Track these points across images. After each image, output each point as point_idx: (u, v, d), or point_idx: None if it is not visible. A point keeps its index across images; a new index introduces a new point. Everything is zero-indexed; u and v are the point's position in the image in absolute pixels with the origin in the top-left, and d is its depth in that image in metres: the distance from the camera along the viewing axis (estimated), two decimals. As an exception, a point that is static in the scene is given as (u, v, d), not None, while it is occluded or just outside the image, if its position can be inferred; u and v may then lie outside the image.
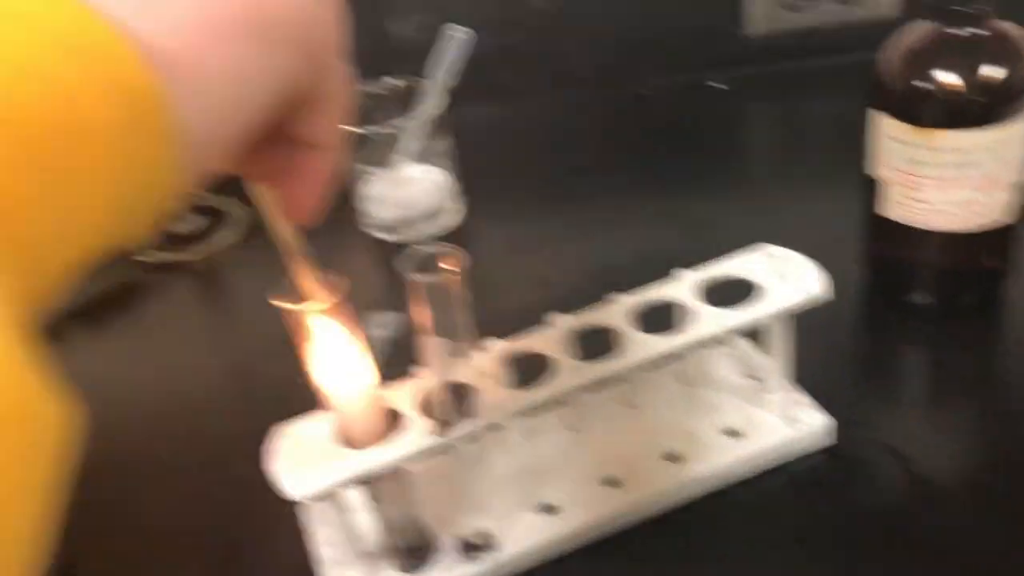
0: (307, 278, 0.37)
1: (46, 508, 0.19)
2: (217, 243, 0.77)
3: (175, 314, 0.73)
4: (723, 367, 0.55)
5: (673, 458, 0.50)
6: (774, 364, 0.50)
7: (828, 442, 0.51)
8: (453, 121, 0.74)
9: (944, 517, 0.47)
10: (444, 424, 0.43)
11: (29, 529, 0.18)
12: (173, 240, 0.78)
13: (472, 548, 0.47)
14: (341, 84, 0.30)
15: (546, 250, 0.71)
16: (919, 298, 0.59)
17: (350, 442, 0.42)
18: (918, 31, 0.53)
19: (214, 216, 0.80)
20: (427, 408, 0.45)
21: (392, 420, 0.43)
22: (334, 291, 0.38)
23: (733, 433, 0.51)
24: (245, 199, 0.80)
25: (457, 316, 0.41)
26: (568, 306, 0.49)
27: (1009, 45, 0.51)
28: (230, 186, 0.83)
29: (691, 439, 0.51)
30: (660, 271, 0.50)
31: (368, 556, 0.46)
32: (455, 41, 0.69)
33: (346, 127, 0.31)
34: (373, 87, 0.73)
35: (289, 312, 0.38)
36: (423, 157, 0.72)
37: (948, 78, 0.51)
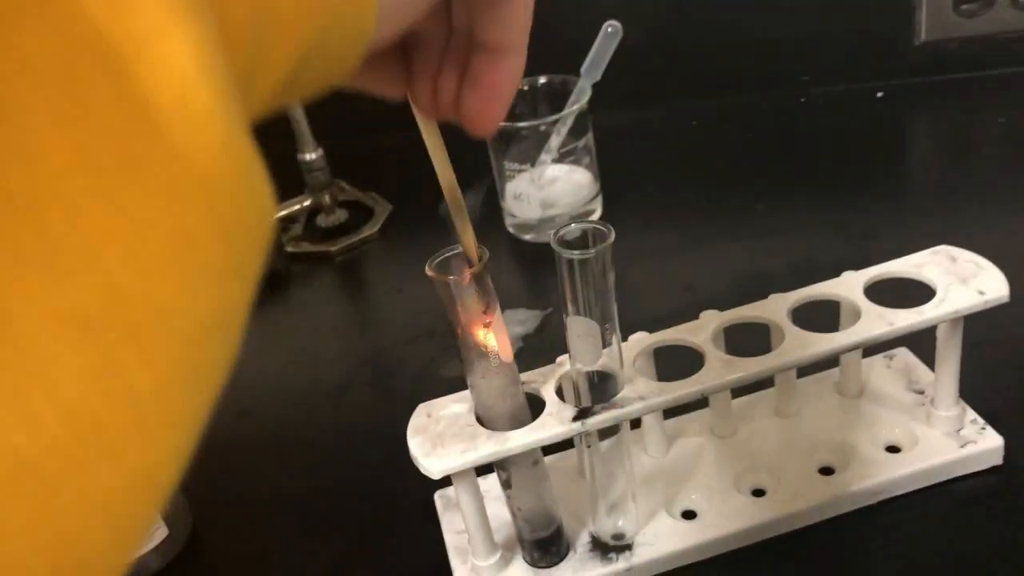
0: (465, 230, 0.36)
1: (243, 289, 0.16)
2: (358, 236, 0.78)
3: (316, 302, 0.74)
4: (885, 379, 0.51)
5: (827, 471, 0.47)
6: (941, 377, 0.46)
7: (995, 462, 0.46)
8: (599, 122, 0.73)
9: None
10: (584, 412, 0.41)
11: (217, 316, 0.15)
12: (317, 232, 0.79)
13: (606, 548, 0.45)
14: None
15: (691, 255, 0.69)
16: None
17: (489, 424, 0.41)
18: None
19: (357, 210, 0.81)
20: (568, 396, 0.43)
21: (532, 407, 0.42)
22: (482, 255, 0.37)
23: (893, 449, 0.47)
24: (386, 195, 0.81)
25: (604, 297, 0.39)
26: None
27: None
28: (373, 181, 0.84)
29: (848, 452, 0.47)
30: (816, 280, 0.46)
31: (498, 547, 0.45)
32: (609, 36, 0.67)
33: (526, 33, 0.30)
34: (523, 83, 0.73)
35: (440, 282, 0.37)
36: (567, 157, 0.71)
37: None
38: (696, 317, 0.45)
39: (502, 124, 0.69)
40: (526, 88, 0.73)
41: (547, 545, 0.44)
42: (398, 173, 0.78)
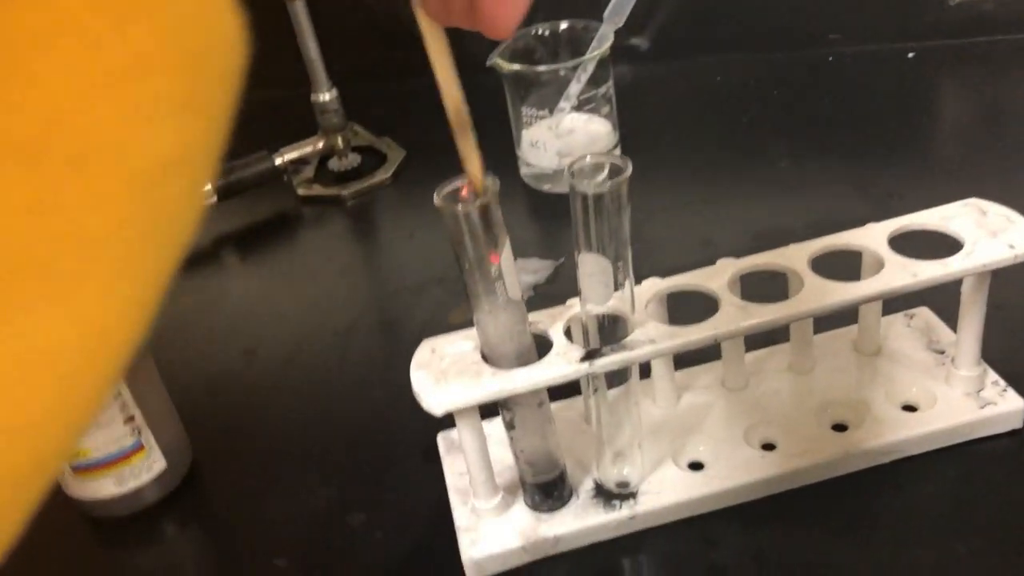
0: (470, 155, 0.34)
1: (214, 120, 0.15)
2: (370, 182, 0.76)
3: (325, 246, 0.73)
4: (904, 338, 0.49)
5: (840, 428, 0.46)
6: (964, 335, 0.45)
7: (1015, 425, 0.45)
8: (621, 75, 0.71)
9: None
10: (592, 353, 0.40)
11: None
12: (328, 176, 0.78)
13: (609, 495, 0.44)
14: None
15: (710, 211, 0.67)
16: None
17: (494, 363, 0.40)
18: None
19: (370, 155, 0.80)
20: (576, 337, 0.42)
21: (540, 348, 0.41)
22: (491, 185, 0.35)
23: (910, 408, 0.46)
24: (400, 141, 0.80)
25: (618, 235, 0.37)
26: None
27: None
28: (387, 127, 0.83)
29: (862, 410, 0.46)
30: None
31: (499, 489, 0.44)
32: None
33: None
34: (544, 28, 0.71)
35: (447, 211, 0.36)
36: (586, 105, 0.69)
37: None
38: (713, 268, 0.44)
39: (520, 68, 0.67)
40: (547, 33, 0.71)
41: (549, 489, 0.43)
42: (413, 120, 0.76)
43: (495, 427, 0.46)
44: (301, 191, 0.76)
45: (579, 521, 0.43)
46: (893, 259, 0.41)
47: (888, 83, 0.79)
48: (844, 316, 0.50)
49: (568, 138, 0.70)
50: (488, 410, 0.43)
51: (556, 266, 0.63)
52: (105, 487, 0.48)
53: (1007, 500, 0.43)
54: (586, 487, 0.45)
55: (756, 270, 0.43)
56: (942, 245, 0.43)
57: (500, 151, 0.72)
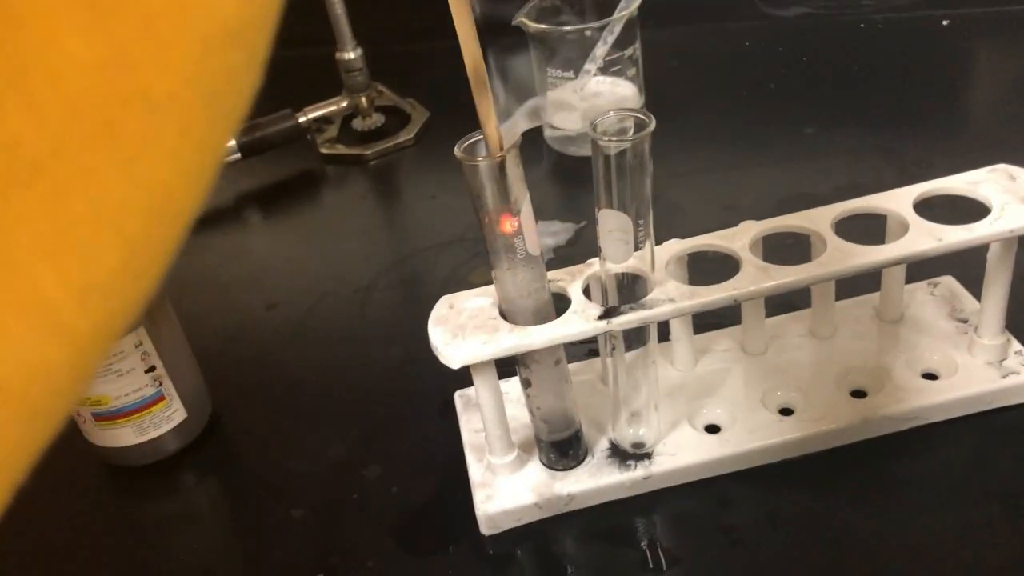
0: (488, 114, 0.34)
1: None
2: (393, 142, 0.76)
3: (348, 204, 0.73)
4: (927, 306, 0.49)
5: (859, 394, 0.45)
6: (988, 303, 0.44)
7: (1039, 396, 0.45)
8: (649, 37, 0.70)
9: None
10: (610, 311, 0.39)
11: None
12: (352, 135, 0.78)
13: (624, 455, 0.44)
14: None
15: (734, 176, 0.66)
16: None
17: (512, 319, 0.40)
18: None
19: (393, 115, 0.79)
20: (595, 295, 0.42)
21: (558, 306, 0.41)
22: (510, 136, 0.35)
23: (931, 376, 0.46)
24: (424, 102, 0.80)
25: (640, 192, 0.37)
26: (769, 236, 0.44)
27: None
28: (411, 88, 0.82)
29: (882, 377, 0.45)
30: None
31: (515, 447, 0.44)
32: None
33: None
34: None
35: (468, 165, 0.36)
36: (612, 67, 0.68)
37: None
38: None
39: (546, 28, 0.67)
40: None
41: (564, 448, 0.43)
42: (437, 81, 0.76)
43: (512, 386, 0.46)
44: (324, 150, 0.76)
45: (593, 480, 0.43)
46: (918, 223, 0.41)
47: (920, 50, 0.78)
48: (867, 283, 0.49)
49: (593, 100, 0.69)
50: (505, 370, 0.43)
51: (577, 229, 0.63)
52: (126, 435, 0.48)
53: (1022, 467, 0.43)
54: (601, 447, 0.45)
55: (778, 231, 0.42)
56: (969, 211, 0.42)
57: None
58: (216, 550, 0.46)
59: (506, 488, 0.43)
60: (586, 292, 0.41)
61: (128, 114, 0.12)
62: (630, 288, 0.40)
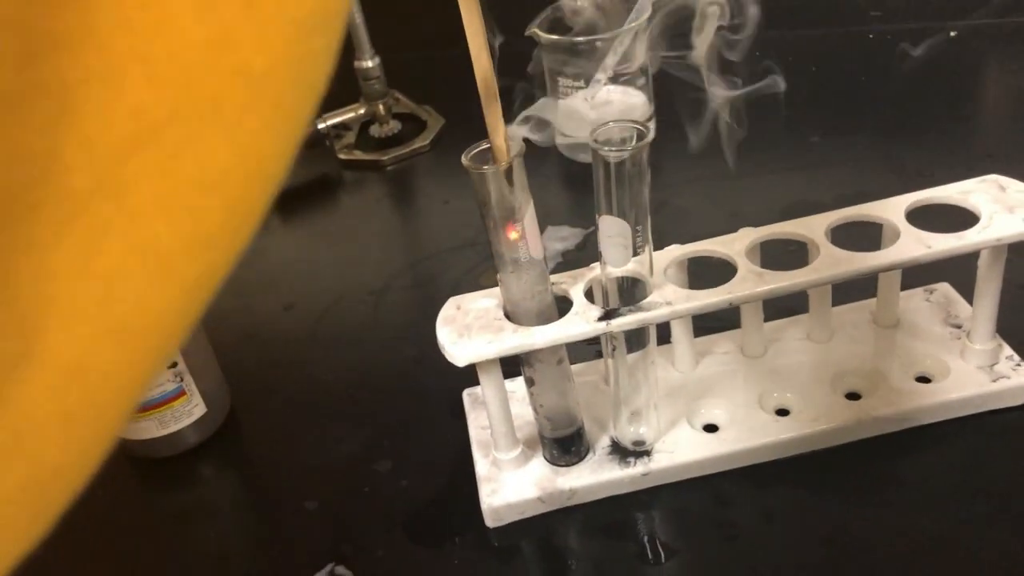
0: (496, 125, 0.36)
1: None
2: (409, 148, 0.78)
3: (364, 209, 0.75)
4: (923, 312, 0.50)
5: (854, 396, 0.47)
6: (979, 309, 0.45)
7: (1029, 400, 0.46)
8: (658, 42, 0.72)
9: None
10: (610, 313, 0.41)
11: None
12: (370, 142, 0.80)
13: (625, 452, 0.46)
14: None
15: (740, 183, 0.68)
16: None
17: (516, 320, 0.42)
18: None
19: (410, 122, 0.81)
20: (596, 298, 0.43)
21: (562, 310, 0.42)
22: (518, 149, 0.37)
23: (924, 379, 0.47)
24: (440, 109, 0.82)
25: (638, 199, 0.39)
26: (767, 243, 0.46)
27: None
28: (427, 95, 0.84)
29: (877, 379, 0.47)
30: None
31: (519, 443, 0.45)
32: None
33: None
34: (583, 0, 0.72)
35: (475, 172, 0.38)
36: (622, 76, 0.70)
37: None
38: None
39: (558, 38, 0.69)
40: (585, 4, 0.72)
41: (567, 444, 0.45)
42: (453, 89, 0.78)
43: (518, 385, 0.48)
44: (342, 155, 0.78)
45: (594, 476, 0.45)
46: (909, 231, 0.42)
47: (928, 61, 0.79)
48: (864, 289, 0.51)
49: (603, 109, 0.71)
50: (511, 370, 0.45)
51: (585, 234, 0.65)
52: (147, 428, 0.50)
53: (1016, 470, 0.44)
54: (603, 444, 0.46)
55: (774, 238, 0.44)
56: (962, 221, 0.44)
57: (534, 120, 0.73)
58: (233, 538, 0.48)
59: (511, 483, 0.45)
60: (588, 295, 0.43)
61: (231, 87, 0.14)
62: (630, 291, 0.42)
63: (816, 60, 0.81)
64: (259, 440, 0.53)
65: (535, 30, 0.69)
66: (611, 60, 0.69)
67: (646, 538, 0.43)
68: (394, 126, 0.81)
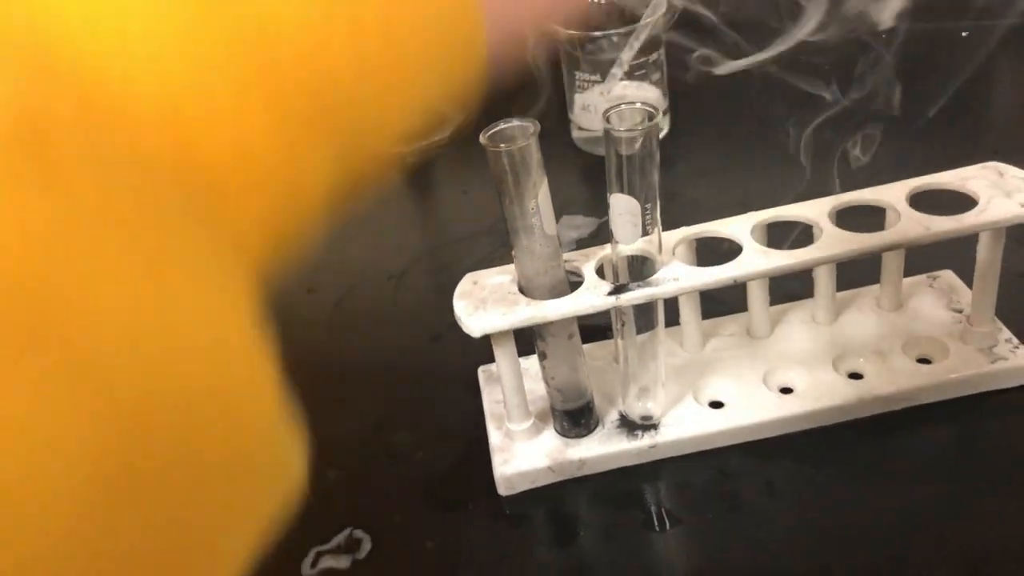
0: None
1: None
2: (429, 140, 0.80)
3: (384, 198, 0.77)
4: (926, 298, 0.52)
5: (856, 376, 0.48)
6: (978, 292, 0.47)
7: (1024, 380, 0.47)
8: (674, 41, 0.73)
9: None
10: (619, 288, 0.43)
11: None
12: (392, 134, 0.82)
13: (633, 426, 0.47)
14: None
15: (751, 174, 0.69)
16: None
17: (529, 295, 0.44)
18: None
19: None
20: (607, 275, 0.45)
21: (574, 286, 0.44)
22: (533, 128, 0.39)
23: (925, 361, 0.48)
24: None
25: (647, 179, 0.41)
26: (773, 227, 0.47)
27: None
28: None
29: (878, 360, 0.48)
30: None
31: (531, 415, 0.47)
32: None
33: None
34: (598, -4, 0.74)
35: (491, 150, 0.39)
36: (637, 71, 0.72)
37: None
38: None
39: (575, 33, 0.71)
40: (603, 0, 0.74)
41: (577, 417, 0.47)
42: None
43: (531, 363, 0.50)
44: (364, 147, 0.80)
45: (603, 447, 0.47)
46: (909, 214, 0.44)
47: (940, 62, 0.80)
48: (869, 276, 0.52)
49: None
50: (525, 349, 0.46)
51: (599, 224, 0.66)
52: (176, 399, 0.52)
53: (1013, 448, 0.45)
54: (611, 418, 0.48)
55: (779, 220, 0.46)
56: (963, 207, 0.45)
57: (554, 114, 0.75)
58: (256, 505, 0.50)
59: (522, 452, 0.47)
60: (600, 272, 0.45)
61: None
62: (638, 269, 0.43)
63: (828, 58, 0.83)
64: (282, 413, 0.55)
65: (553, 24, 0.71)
66: (627, 55, 0.71)
67: (652, 507, 0.45)
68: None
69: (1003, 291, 0.48)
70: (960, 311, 0.50)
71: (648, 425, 0.47)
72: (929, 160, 0.66)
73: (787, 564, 0.42)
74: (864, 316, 0.51)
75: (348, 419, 0.53)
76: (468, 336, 0.43)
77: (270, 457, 0.19)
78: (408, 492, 0.48)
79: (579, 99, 0.74)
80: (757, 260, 0.43)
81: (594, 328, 0.52)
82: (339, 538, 0.46)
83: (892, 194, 0.45)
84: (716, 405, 0.48)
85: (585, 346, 0.46)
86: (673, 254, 0.45)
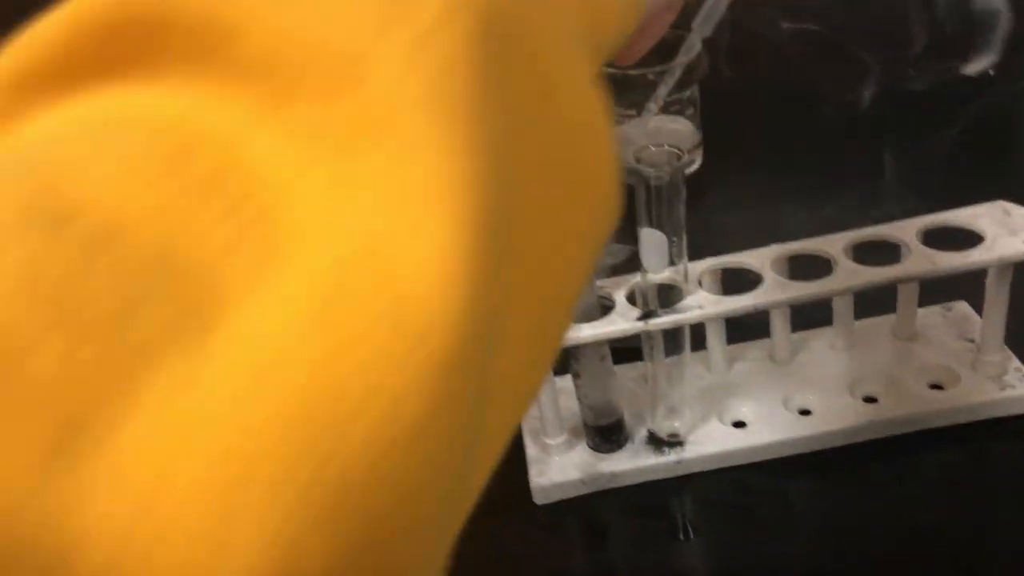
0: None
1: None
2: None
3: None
4: (940, 327, 0.55)
5: (870, 400, 0.51)
6: (988, 323, 0.50)
7: (1035, 408, 0.50)
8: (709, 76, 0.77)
9: None
10: (648, 314, 0.47)
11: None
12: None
13: (660, 443, 0.51)
14: None
15: (781, 207, 0.73)
16: None
17: (564, 318, 0.47)
18: None
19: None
20: (637, 302, 0.49)
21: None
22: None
23: (938, 387, 0.51)
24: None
25: (674, 215, 0.44)
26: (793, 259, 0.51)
27: None
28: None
29: (892, 385, 0.51)
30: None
31: (565, 430, 0.51)
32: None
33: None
34: (635, 36, 0.78)
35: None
36: (672, 107, 0.76)
37: None
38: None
39: (613, 70, 0.74)
40: (639, 40, 0.78)
41: (608, 433, 0.51)
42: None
43: (566, 381, 0.54)
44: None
45: (632, 462, 0.50)
46: (920, 250, 0.47)
47: (965, 101, 0.83)
48: (885, 306, 0.55)
49: (654, 137, 0.77)
50: (560, 368, 0.50)
51: (632, 251, 0.70)
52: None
53: (1020, 472, 0.48)
54: (640, 434, 0.52)
55: (799, 253, 0.49)
56: (973, 244, 0.48)
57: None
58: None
59: (557, 465, 0.50)
60: (630, 299, 0.49)
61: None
62: (667, 296, 0.47)
63: (861, 90, 0.86)
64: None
65: (592, 63, 0.75)
66: (663, 91, 0.74)
67: (675, 518, 0.49)
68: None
69: (1015, 322, 0.50)
70: (972, 340, 0.53)
71: (675, 442, 0.51)
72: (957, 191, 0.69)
73: None
74: (880, 344, 0.54)
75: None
76: (508, 356, 0.47)
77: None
78: (450, 499, 0.52)
79: (615, 132, 0.78)
80: (776, 290, 0.46)
81: (628, 350, 0.56)
82: (386, 540, 0.50)
83: (904, 231, 0.48)
84: (739, 425, 0.52)
85: (617, 367, 0.50)
86: (700, 283, 0.49)
